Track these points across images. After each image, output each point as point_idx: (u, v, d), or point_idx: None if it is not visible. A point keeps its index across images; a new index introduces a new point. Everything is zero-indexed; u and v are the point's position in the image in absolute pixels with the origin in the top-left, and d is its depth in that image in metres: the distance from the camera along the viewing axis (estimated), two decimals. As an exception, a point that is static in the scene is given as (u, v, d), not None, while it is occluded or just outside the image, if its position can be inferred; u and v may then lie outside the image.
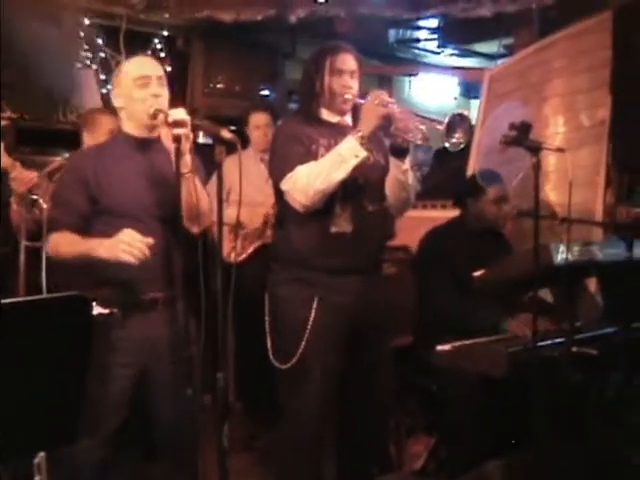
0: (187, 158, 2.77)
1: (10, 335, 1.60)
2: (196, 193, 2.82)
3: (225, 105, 6.81)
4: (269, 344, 3.29)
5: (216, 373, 2.58)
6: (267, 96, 7.24)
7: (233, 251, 4.44)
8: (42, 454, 2.21)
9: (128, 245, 2.67)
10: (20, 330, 1.62)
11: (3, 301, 1.56)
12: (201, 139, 5.98)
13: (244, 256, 4.65)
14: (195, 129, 2.77)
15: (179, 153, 2.73)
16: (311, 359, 3.17)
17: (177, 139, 2.73)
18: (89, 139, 4.15)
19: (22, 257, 3.39)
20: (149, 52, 6.31)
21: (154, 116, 2.86)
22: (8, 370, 1.65)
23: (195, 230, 2.89)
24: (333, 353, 3.23)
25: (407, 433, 4.23)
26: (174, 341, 2.93)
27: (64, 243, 2.89)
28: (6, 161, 3.48)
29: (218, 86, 6.92)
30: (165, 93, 2.97)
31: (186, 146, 2.75)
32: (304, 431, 3.26)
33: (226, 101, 6.89)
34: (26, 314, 1.62)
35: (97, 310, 1.67)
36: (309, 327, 3.16)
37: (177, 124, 2.74)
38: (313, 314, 3.17)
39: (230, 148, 2.67)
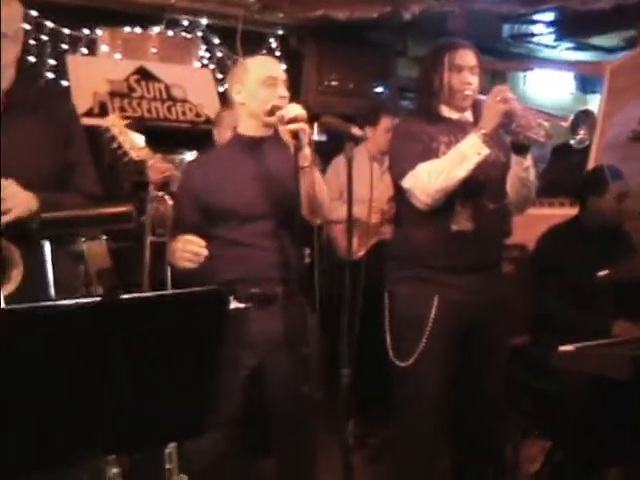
0: (306, 152, 2.80)
1: (149, 328, 1.65)
2: (316, 185, 2.85)
3: (338, 103, 6.83)
4: (388, 342, 3.28)
5: (340, 370, 2.59)
6: (380, 94, 7.24)
7: (350, 248, 4.46)
8: (173, 444, 2.28)
9: (181, 251, 2.75)
10: (158, 323, 1.66)
11: (142, 294, 1.61)
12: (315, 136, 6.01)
13: (361, 253, 4.66)
14: (325, 126, 2.80)
15: (298, 148, 2.76)
16: (430, 357, 3.15)
17: (295, 135, 2.77)
18: (218, 136, 4.27)
19: (147, 252, 3.47)
20: (264, 51, 6.39)
21: (271, 112, 2.90)
22: (145, 362, 1.69)
23: (317, 222, 2.92)
24: (451, 351, 3.21)
25: (522, 435, 4.16)
26: (292, 337, 2.97)
27: None
28: (147, 152, 3.58)
29: (332, 84, 6.95)
30: (287, 94, 3.03)
31: (304, 140, 2.78)
32: (421, 429, 3.24)
33: (339, 99, 6.92)
34: (165, 307, 1.66)
35: (233, 304, 1.69)
36: (429, 325, 3.15)
37: (293, 120, 2.77)
38: (433, 312, 3.16)
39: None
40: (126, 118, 4.83)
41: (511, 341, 3.74)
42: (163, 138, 5.21)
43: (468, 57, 3.24)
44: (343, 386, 2.62)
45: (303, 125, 2.77)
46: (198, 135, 4.69)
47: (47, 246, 2.07)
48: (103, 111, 5.38)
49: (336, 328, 2.68)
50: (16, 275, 2.26)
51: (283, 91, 2.99)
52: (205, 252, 2.75)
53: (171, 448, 2.32)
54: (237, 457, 3.19)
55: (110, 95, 5.55)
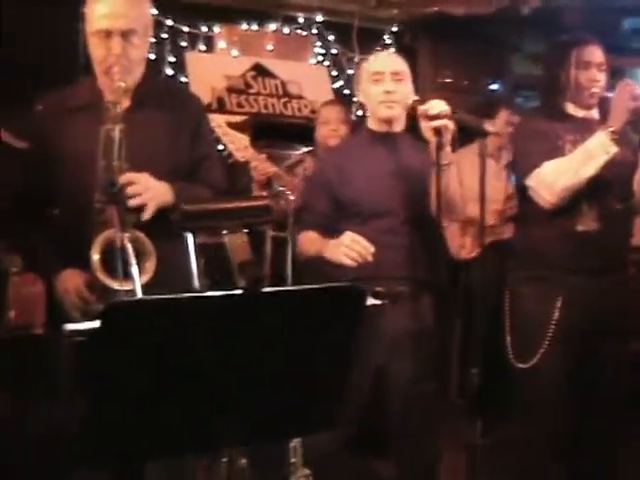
0: (447, 150, 2.78)
1: (288, 321, 1.66)
2: (452, 185, 2.82)
3: (453, 100, 6.74)
4: (508, 343, 3.23)
5: (468, 369, 2.57)
6: (494, 91, 7.13)
7: (463, 248, 4.42)
8: (298, 439, 2.30)
9: (348, 248, 2.73)
10: (297, 316, 1.67)
11: (283, 288, 1.63)
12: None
13: (475, 253, 4.60)
14: (457, 122, 2.78)
15: (440, 145, 2.74)
16: (552, 359, 3.09)
17: (437, 131, 2.75)
18: (319, 132, 4.30)
19: (268, 246, 3.51)
20: (378, 48, 6.39)
21: (412, 108, 2.89)
22: (282, 355, 1.71)
23: (446, 223, 2.89)
24: (573, 354, 3.14)
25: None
26: (417, 336, 2.96)
27: (306, 242, 3.05)
28: (251, 153, 3.63)
29: (446, 81, 6.88)
30: (401, 88, 3.01)
31: (447, 137, 2.76)
32: (541, 430, 3.18)
33: (454, 96, 6.84)
34: (305, 301, 1.68)
35: (370, 301, 1.69)
36: (552, 327, 3.09)
37: (436, 117, 2.75)
38: (556, 314, 3.09)
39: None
40: (241, 114, 4.93)
41: (634, 346, 3.64)
42: (279, 134, 5.27)
43: (596, 53, 3.16)
44: (472, 385, 2.58)
45: (446, 122, 2.75)
46: (314, 131, 4.71)
47: (190, 238, 2.11)
48: (221, 107, 5.48)
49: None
50: (150, 267, 2.31)
51: (389, 85, 2.98)
52: (370, 258, 2.74)
53: (296, 442, 2.33)
54: (352, 456, 3.19)
55: (227, 91, 5.65)
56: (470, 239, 4.61)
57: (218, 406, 1.70)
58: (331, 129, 4.33)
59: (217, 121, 3.71)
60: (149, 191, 2.43)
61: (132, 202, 2.36)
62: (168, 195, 2.49)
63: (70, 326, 1.60)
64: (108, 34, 2.49)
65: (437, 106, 2.79)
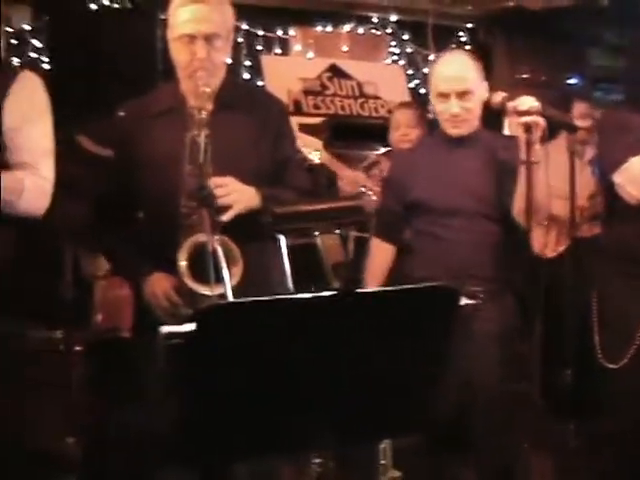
0: (536, 148, 2.74)
1: (381, 322, 1.66)
2: (539, 185, 2.78)
3: (530, 96, 6.65)
4: (597, 343, 3.16)
5: (559, 369, 2.53)
6: (572, 85, 7.01)
7: (546, 246, 4.35)
8: (387, 440, 2.29)
9: None
10: (391, 317, 1.67)
11: (377, 289, 1.62)
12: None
13: (558, 251, 4.53)
14: (545, 118, 2.74)
15: (530, 142, 2.70)
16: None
17: (527, 128, 2.70)
18: (391, 134, 4.31)
19: (350, 246, 3.50)
20: (453, 46, 6.34)
21: (501, 104, 2.85)
22: (375, 356, 1.70)
23: (529, 224, 2.84)
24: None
25: None
26: (500, 335, 2.92)
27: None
28: (325, 156, 3.64)
29: (522, 77, 6.79)
30: (467, 105, 2.99)
31: (537, 134, 2.72)
32: (631, 430, 3.11)
33: (531, 92, 6.72)
34: (399, 301, 1.67)
35: (464, 300, 1.68)
36: (643, 325, 3.01)
37: (526, 113, 2.71)
38: (648, 312, 3.02)
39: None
40: (318, 116, 4.95)
41: None
42: (356, 135, 5.28)
43: None
44: (563, 387, 2.54)
45: (536, 118, 2.71)
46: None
47: (283, 240, 2.12)
48: (297, 109, 5.50)
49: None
50: (237, 271, 2.33)
51: (454, 107, 2.97)
52: None
53: (385, 443, 2.32)
54: (436, 457, 3.17)
55: (304, 93, 5.67)
56: (554, 237, 4.54)
57: (310, 408, 1.70)
58: (401, 134, 4.34)
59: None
60: (236, 194, 2.45)
61: (222, 203, 2.38)
62: (255, 199, 2.51)
63: (165, 329, 1.63)
64: (192, 39, 2.52)
65: (527, 102, 2.75)
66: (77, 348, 3.61)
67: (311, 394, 1.69)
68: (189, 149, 2.43)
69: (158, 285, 2.53)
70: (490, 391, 2.94)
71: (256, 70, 5.71)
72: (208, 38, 2.52)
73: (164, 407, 2.17)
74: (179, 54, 2.57)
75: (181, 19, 2.54)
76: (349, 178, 3.62)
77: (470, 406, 2.96)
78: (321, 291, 1.61)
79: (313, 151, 3.57)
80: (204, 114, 2.41)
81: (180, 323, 2.22)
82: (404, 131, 4.31)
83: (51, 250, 3.57)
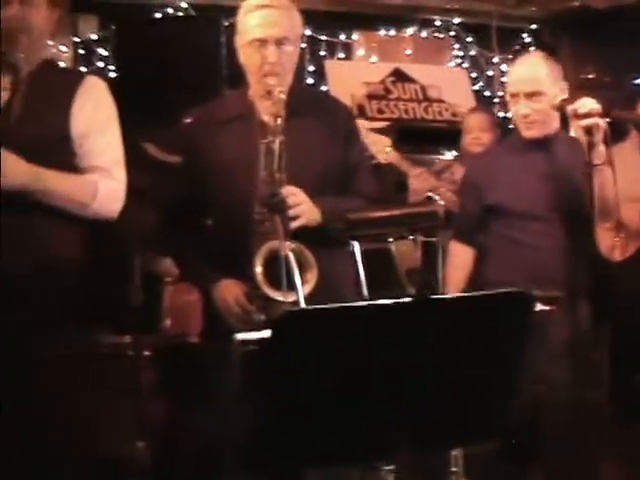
0: (600, 149, 2.70)
1: (457, 328, 1.64)
2: (608, 186, 2.74)
3: (595, 97, 6.55)
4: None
5: (631, 375, 2.48)
6: (638, 85, 6.89)
7: (614, 249, 4.26)
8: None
9: None
10: (466, 323, 1.65)
11: (452, 295, 1.61)
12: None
13: (627, 254, 4.44)
14: (612, 119, 2.70)
15: (591, 145, 2.66)
16: None
17: (588, 130, 2.67)
18: (464, 140, 4.31)
19: (419, 253, 3.48)
20: (517, 47, 6.28)
21: (560, 107, 2.82)
22: (450, 362, 1.69)
23: (606, 225, 2.80)
24: None
25: None
26: (573, 341, 2.88)
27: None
28: (394, 155, 3.63)
29: (588, 77, 6.69)
30: (538, 107, 2.98)
31: (598, 136, 2.68)
32: None
33: (596, 93, 6.63)
34: (474, 307, 1.65)
35: (538, 306, 1.66)
36: None
37: (587, 115, 2.68)
38: None
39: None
40: (382, 121, 4.94)
41: None
42: (421, 139, 5.25)
43: None
44: (635, 392, 2.49)
45: (597, 120, 2.67)
46: (456, 135, 4.66)
47: (357, 246, 2.12)
48: (361, 113, 5.49)
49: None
50: (311, 278, 2.33)
51: (524, 108, 2.98)
52: None
53: (457, 451, 2.30)
54: (508, 466, 3.13)
55: (367, 98, 5.66)
56: (623, 240, 4.45)
57: (385, 414, 1.70)
58: (473, 137, 4.38)
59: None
60: (305, 205, 2.46)
61: (292, 212, 2.38)
62: (317, 214, 2.51)
63: (240, 336, 1.63)
64: (263, 43, 2.54)
65: (586, 104, 2.71)
66: (146, 353, 3.64)
67: (385, 401, 1.68)
68: (264, 156, 2.44)
69: (229, 291, 2.54)
70: (563, 397, 2.90)
71: (320, 75, 5.72)
72: (279, 42, 2.54)
73: (236, 412, 2.18)
74: (250, 59, 2.59)
75: (251, 24, 2.56)
76: (419, 176, 3.61)
77: (542, 413, 2.92)
78: (395, 297, 1.61)
79: (382, 149, 3.56)
80: (279, 121, 2.41)
81: (250, 329, 2.24)
82: (476, 134, 4.36)
83: (120, 255, 3.61)
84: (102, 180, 2.58)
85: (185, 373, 3.52)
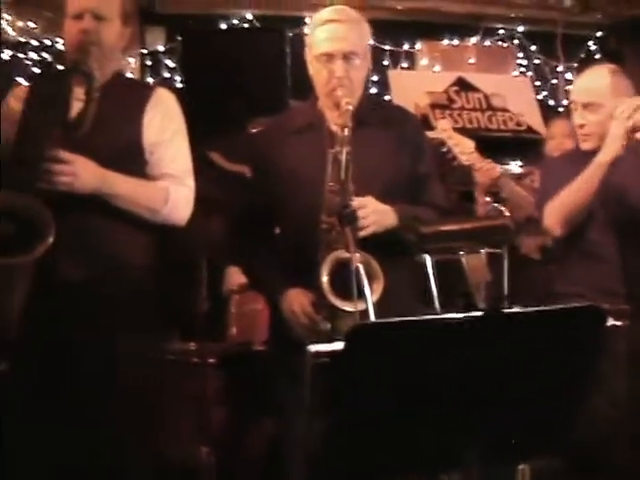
0: None
1: (528, 342, 1.64)
2: None
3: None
4: None
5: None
6: None
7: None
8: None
9: None
10: (538, 338, 1.65)
11: (523, 309, 1.62)
12: None
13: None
14: None
15: None
16: None
17: None
18: (547, 144, 4.32)
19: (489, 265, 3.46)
20: (582, 55, 6.22)
21: (634, 130, 2.79)
22: (520, 376, 1.69)
23: None
24: None
25: None
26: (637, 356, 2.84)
27: None
28: (476, 157, 3.62)
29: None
30: (592, 119, 2.96)
31: None
32: None
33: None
34: (545, 321, 1.66)
35: (610, 321, 1.65)
36: None
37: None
38: None
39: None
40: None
41: None
42: (485, 148, 5.22)
43: None
44: None
45: None
46: (520, 144, 4.65)
47: (428, 259, 2.13)
48: (425, 123, 5.46)
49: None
50: (377, 288, 2.34)
51: (579, 118, 2.99)
52: None
53: (524, 465, 2.29)
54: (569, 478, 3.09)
55: (431, 107, 5.64)
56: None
57: (454, 426, 1.70)
58: (557, 142, 4.41)
59: (442, 125, 3.77)
60: (375, 215, 2.47)
61: (361, 223, 2.41)
62: (393, 218, 2.52)
63: (313, 348, 1.65)
64: (330, 57, 2.56)
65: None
66: (211, 360, 3.69)
67: (455, 413, 1.68)
68: (331, 166, 2.46)
69: (296, 300, 2.55)
70: (629, 413, 2.86)
71: (383, 85, 5.73)
72: (346, 56, 2.56)
73: (303, 422, 2.20)
74: (318, 72, 2.61)
75: (319, 38, 2.59)
76: (489, 173, 3.58)
77: (611, 428, 2.89)
78: (467, 311, 1.61)
79: (466, 150, 3.55)
80: (346, 131, 2.43)
81: (317, 338, 2.26)
82: (560, 140, 4.38)
83: (187, 263, 3.66)
84: (173, 186, 2.67)
85: (250, 381, 3.55)
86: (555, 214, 2.93)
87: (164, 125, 2.69)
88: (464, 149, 3.56)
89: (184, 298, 3.69)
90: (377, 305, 2.26)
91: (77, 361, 2.55)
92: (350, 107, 2.48)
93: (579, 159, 3.01)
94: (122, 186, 2.59)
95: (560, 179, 2.99)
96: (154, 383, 2.76)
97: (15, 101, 2.75)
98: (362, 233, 2.42)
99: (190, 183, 2.74)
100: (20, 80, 5.94)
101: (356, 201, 2.39)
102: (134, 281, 2.65)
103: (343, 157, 2.39)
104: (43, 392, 2.54)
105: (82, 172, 2.49)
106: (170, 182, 2.67)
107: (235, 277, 3.83)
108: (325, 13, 2.65)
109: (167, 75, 5.69)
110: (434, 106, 5.66)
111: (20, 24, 6.08)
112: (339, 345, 1.59)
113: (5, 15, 6.01)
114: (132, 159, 2.65)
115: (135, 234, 2.66)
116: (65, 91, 2.49)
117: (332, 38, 2.57)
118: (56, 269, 2.48)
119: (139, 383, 2.62)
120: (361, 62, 2.63)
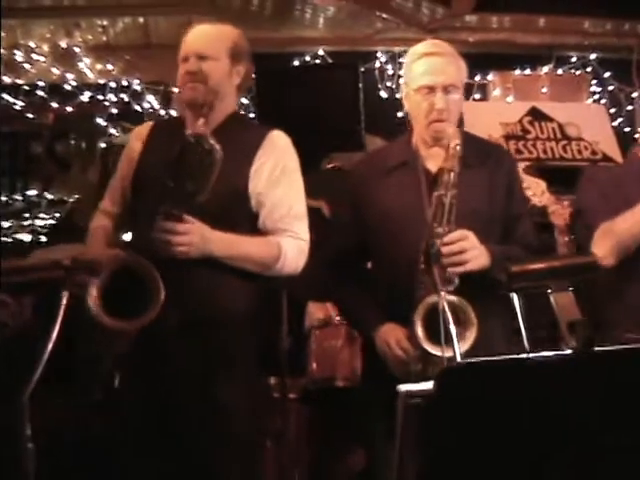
0: None
1: (620, 382, 1.63)
2: None
3: None
4: None
5: None
6: None
7: None
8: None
9: None
10: (628, 377, 1.64)
11: (613, 348, 1.61)
12: None
13: None
14: None
15: None
16: None
17: None
18: None
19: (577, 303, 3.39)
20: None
21: None
22: (610, 418, 1.67)
23: None
24: None
25: None
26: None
27: None
28: (548, 197, 3.57)
29: None
30: None
31: None
32: None
33: None
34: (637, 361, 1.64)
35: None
36: None
37: None
38: None
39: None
40: (520, 161, 4.89)
41: None
42: (560, 178, 5.17)
43: None
44: None
45: None
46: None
47: (516, 298, 2.12)
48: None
49: None
50: (470, 336, 2.33)
51: None
52: None
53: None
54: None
55: (505, 138, 5.61)
56: None
57: (546, 470, 1.68)
58: None
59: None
60: (474, 251, 2.47)
61: (461, 258, 2.42)
62: (486, 258, 2.52)
63: (405, 387, 1.67)
64: (431, 90, 2.58)
65: None
66: (292, 396, 3.71)
67: (548, 456, 1.67)
68: (434, 208, 2.47)
69: (392, 334, 2.56)
70: None
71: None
72: (446, 89, 2.58)
73: (389, 458, 2.21)
74: (417, 106, 2.63)
75: (418, 71, 2.62)
76: (564, 214, 3.53)
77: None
78: (557, 350, 1.61)
79: (538, 192, 3.52)
80: (452, 175, 2.45)
81: (407, 377, 2.26)
82: None
83: (272, 300, 3.69)
84: (285, 240, 2.60)
85: (332, 417, 3.56)
86: (609, 244, 2.66)
87: (274, 173, 2.59)
88: (536, 191, 3.53)
89: (269, 335, 3.71)
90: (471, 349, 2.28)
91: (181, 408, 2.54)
92: (458, 148, 2.49)
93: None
94: (234, 248, 2.54)
95: (616, 195, 2.87)
96: (257, 427, 2.76)
97: (136, 140, 2.75)
98: (459, 269, 2.43)
99: (304, 235, 2.65)
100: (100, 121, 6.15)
101: (457, 232, 2.41)
102: (238, 326, 2.60)
103: (448, 201, 2.41)
104: (145, 439, 2.54)
105: (197, 241, 2.42)
106: (283, 236, 2.60)
107: (316, 313, 3.85)
108: (421, 47, 2.68)
109: (241, 112, 5.77)
110: (508, 137, 5.62)
111: (99, 67, 6.27)
112: (429, 385, 1.60)
113: (85, 59, 6.22)
114: (238, 209, 2.58)
115: (241, 282, 2.59)
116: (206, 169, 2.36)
117: (432, 71, 2.59)
118: (157, 318, 2.38)
119: (244, 429, 2.60)
120: (459, 97, 2.65)
